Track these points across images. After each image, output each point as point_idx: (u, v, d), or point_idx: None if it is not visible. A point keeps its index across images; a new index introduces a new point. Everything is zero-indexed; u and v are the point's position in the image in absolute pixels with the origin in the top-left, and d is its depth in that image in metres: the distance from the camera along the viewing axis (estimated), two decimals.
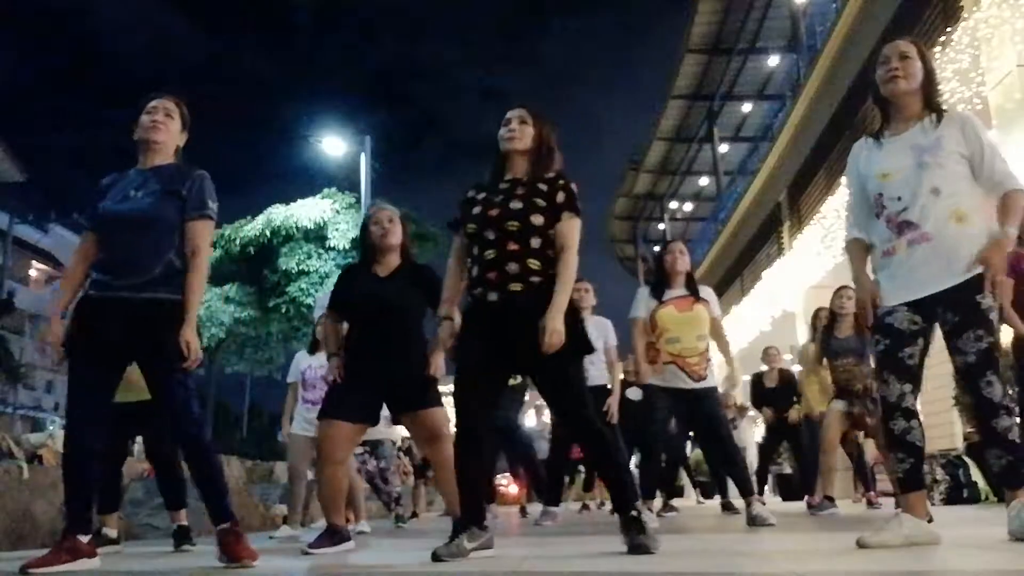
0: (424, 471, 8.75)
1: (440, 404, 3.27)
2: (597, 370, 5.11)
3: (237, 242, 15.46)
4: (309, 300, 14.51)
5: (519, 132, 2.72)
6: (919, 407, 2.58)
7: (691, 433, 7.22)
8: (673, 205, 25.13)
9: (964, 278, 2.43)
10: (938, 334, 2.55)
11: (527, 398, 6.62)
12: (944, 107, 2.64)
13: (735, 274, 18.40)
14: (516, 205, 2.61)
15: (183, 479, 4.05)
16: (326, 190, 16.08)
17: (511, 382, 2.85)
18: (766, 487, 9.35)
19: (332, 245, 15.07)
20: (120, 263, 2.66)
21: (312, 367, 5.11)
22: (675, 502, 7.56)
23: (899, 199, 2.54)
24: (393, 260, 3.38)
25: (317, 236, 15.26)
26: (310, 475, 5.64)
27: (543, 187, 2.66)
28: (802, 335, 6.44)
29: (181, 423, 2.62)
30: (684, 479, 10.89)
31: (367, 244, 3.40)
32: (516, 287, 2.57)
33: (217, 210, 2.78)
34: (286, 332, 15.98)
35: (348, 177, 15.44)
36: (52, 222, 29.89)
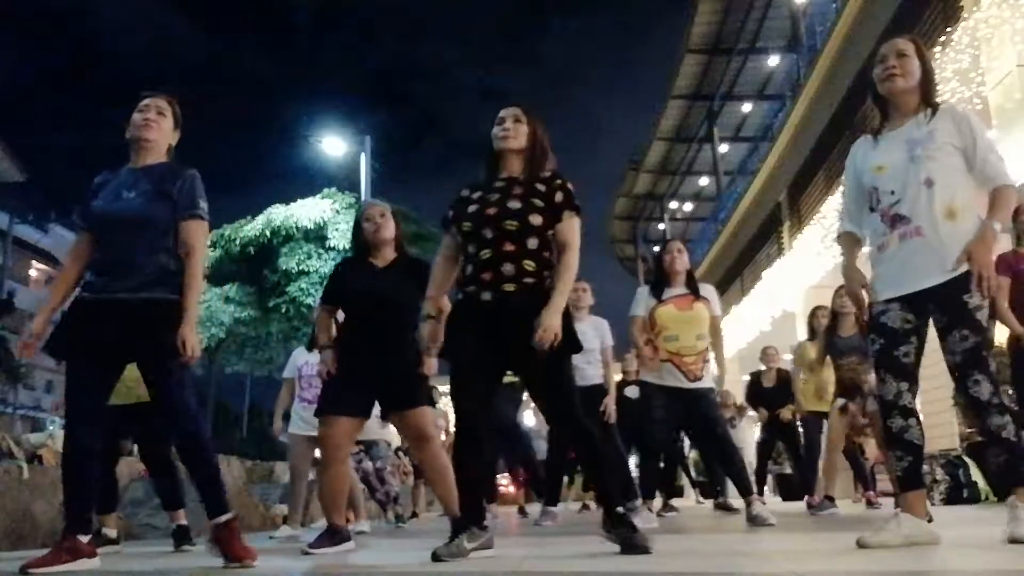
0: (425, 474, 8.75)
1: (430, 403, 3.27)
2: (594, 369, 5.12)
3: (237, 242, 15.45)
4: (309, 300, 14.50)
5: (514, 131, 2.71)
6: (919, 406, 2.58)
7: (684, 433, 7.21)
8: (673, 205, 25.14)
9: (952, 275, 2.43)
10: (933, 332, 2.56)
11: (525, 397, 6.62)
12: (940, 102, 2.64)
13: (735, 274, 18.40)
14: (514, 205, 2.60)
15: (179, 479, 4.05)
16: (326, 190, 16.06)
17: (509, 380, 2.84)
18: (766, 487, 9.36)
19: (332, 245, 15.04)
20: (114, 264, 2.66)
21: (309, 364, 5.11)
22: (675, 502, 7.57)
23: (892, 192, 2.56)
24: (388, 254, 3.39)
25: (317, 236, 15.25)
26: (311, 475, 5.64)
27: (541, 187, 2.66)
28: (802, 335, 6.43)
29: (179, 421, 2.63)
30: (684, 479, 10.90)
31: (361, 241, 3.41)
32: (510, 287, 2.56)
33: (208, 209, 2.77)
34: (286, 332, 15.96)
35: (348, 177, 15.44)
36: (52, 222, 29.88)
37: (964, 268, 2.42)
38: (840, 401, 5.22)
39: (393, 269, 3.35)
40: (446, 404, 9.61)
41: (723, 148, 20.75)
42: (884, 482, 7.44)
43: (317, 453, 5.20)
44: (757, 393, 7.12)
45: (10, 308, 21.84)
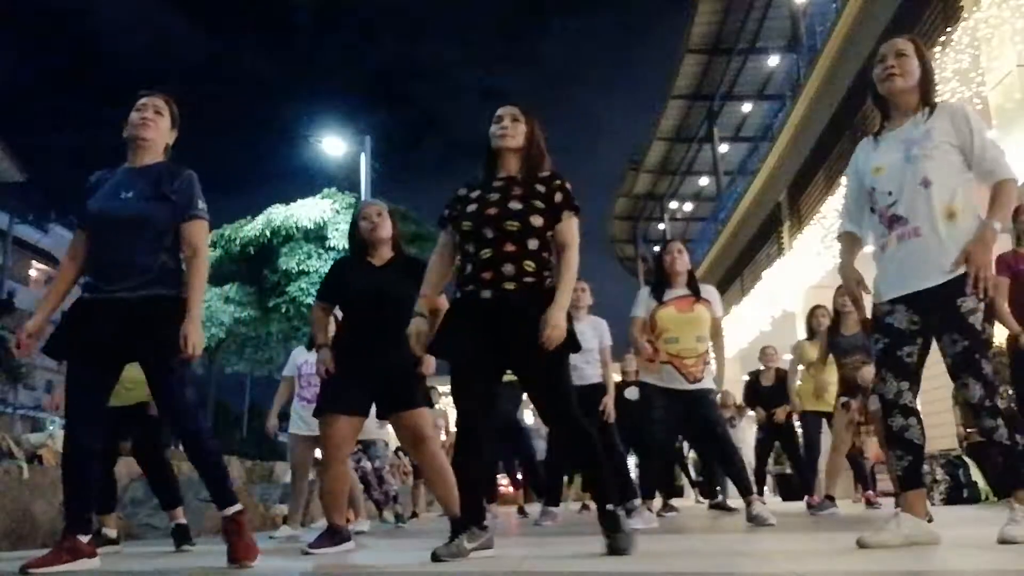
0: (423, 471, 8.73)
1: (427, 404, 3.26)
2: (593, 369, 5.12)
3: (237, 242, 15.45)
4: (309, 300, 14.49)
5: (512, 130, 2.71)
6: (919, 406, 2.59)
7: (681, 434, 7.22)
8: (673, 205, 25.13)
9: (951, 276, 2.42)
10: None
11: (525, 396, 6.62)
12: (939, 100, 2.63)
13: (735, 274, 18.40)
14: (515, 205, 2.60)
15: (175, 478, 4.05)
16: (326, 190, 16.06)
17: (509, 379, 2.84)
18: (766, 488, 9.36)
19: (332, 245, 15.04)
20: (113, 264, 2.66)
21: (309, 363, 5.11)
22: (675, 502, 7.57)
23: (889, 193, 2.56)
24: (386, 252, 3.39)
25: (317, 236, 15.24)
26: (311, 475, 5.64)
27: (540, 187, 2.66)
28: (802, 335, 6.43)
29: (179, 419, 2.64)
30: (684, 479, 10.90)
31: (358, 240, 3.41)
32: (510, 286, 2.56)
33: (207, 208, 2.78)
34: (286, 332, 15.96)
35: (348, 177, 15.44)
36: (52, 222, 29.89)
37: (962, 270, 2.41)
38: (842, 399, 5.22)
39: (390, 268, 3.35)
40: (445, 404, 9.63)
41: (723, 148, 20.75)
42: (884, 482, 7.45)
43: (318, 453, 5.21)
44: (755, 392, 7.12)
45: (10, 308, 21.83)
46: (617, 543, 2.47)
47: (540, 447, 7.41)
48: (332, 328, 3.46)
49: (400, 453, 10.87)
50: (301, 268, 15.02)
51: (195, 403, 2.68)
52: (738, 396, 9.62)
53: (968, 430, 7.12)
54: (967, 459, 6.82)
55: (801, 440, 6.30)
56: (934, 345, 2.57)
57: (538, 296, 2.55)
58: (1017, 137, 6.40)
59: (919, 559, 2.14)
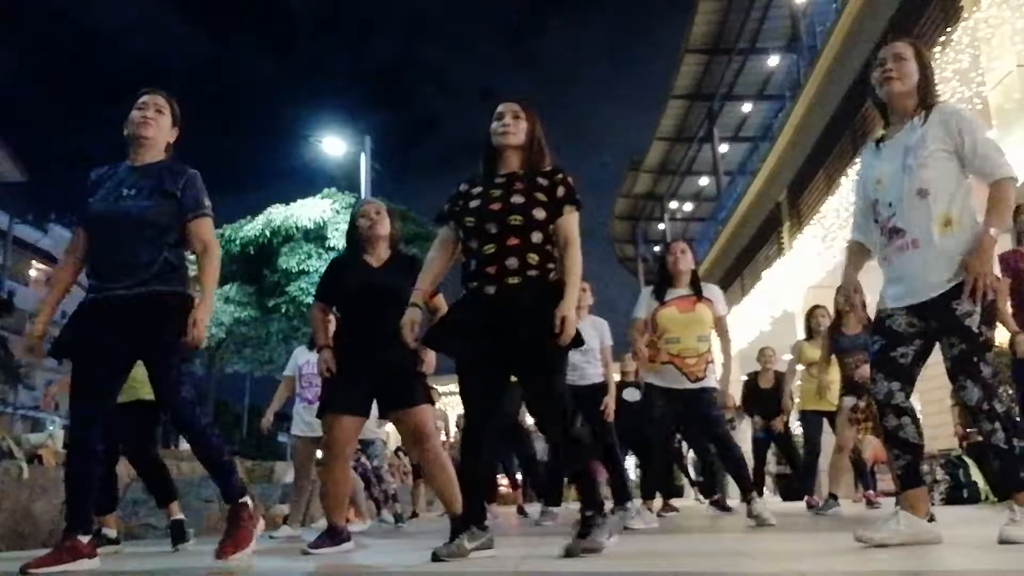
0: (424, 473, 8.73)
1: (429, 401, 3.27)
2: (594, 368, 5.12)
3: (237, 242, 15.44)
4: (309, 300, 14.48)
5: (513, 127, 2.71)
6: (917, 406, 2.59)
7: (679, 433, 7.23)
8: (673, 205, 25.12)
9: (949, 287, 2.41)
10: None
11: None
12: (939, 102, 2.60)
13: (735, 274, 18.39)
14: (518, 200, 2.60)
15: (167, 474, 4.05)
16: (326, 190, 16.06)
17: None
18: (765, 488, 9.35)
19: (332, 245, 15.04)
20: (114, 263, 2.67)
21: (310, 363, 5.11)
22: (675, 502, 7.57)
23: (889, 205, 2.56)
24: (383, 251, 3.40)
25: (317, 236, 15.24)
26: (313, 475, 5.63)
27: (543, 181, 2.66)
28: (802, 335, 6.42)
29: (181, 416, 2.64)
30: (684, 479, 10.89)
31: (356, 238, 3.41)
32: (513, 280, 2.56)
33: (211, 206, 2.81)
34: (286, 332, 15.96)
35: (348, 177, 15.45)
36: (52, 222, 29.92)
37: (959, 280, 2.40)
38: (849, 400, 5.23)
39: (388, 267, 3.35)
40: (445, 404, 9.63)
41: (723, 148, 20.74)
42: (884, 481, 7.44)
43: (319, 454, 5.21)
44: (753, 392, 7.11)
45: (10, 308, 21.83)
46: (572, 545, 2.45)
47: (540, 447, 7.41)
48: (333, 326, 3.46)
49: (400, 453, 10.86)
50: (301, 268, 15.02)
51: (195, 399, 2.68)
52: (738, 397, 9.62)
53: (968, 430, 7.12)
54: (967, 459, 6.81)
55: (801, 439, 6.30)
56: (936, 347, 2.57)
57: (542, 290, 2.55)
58: (1017, 137, 6.40)
59: (919, 559, 2.14)
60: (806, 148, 13.58)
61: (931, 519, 2.55)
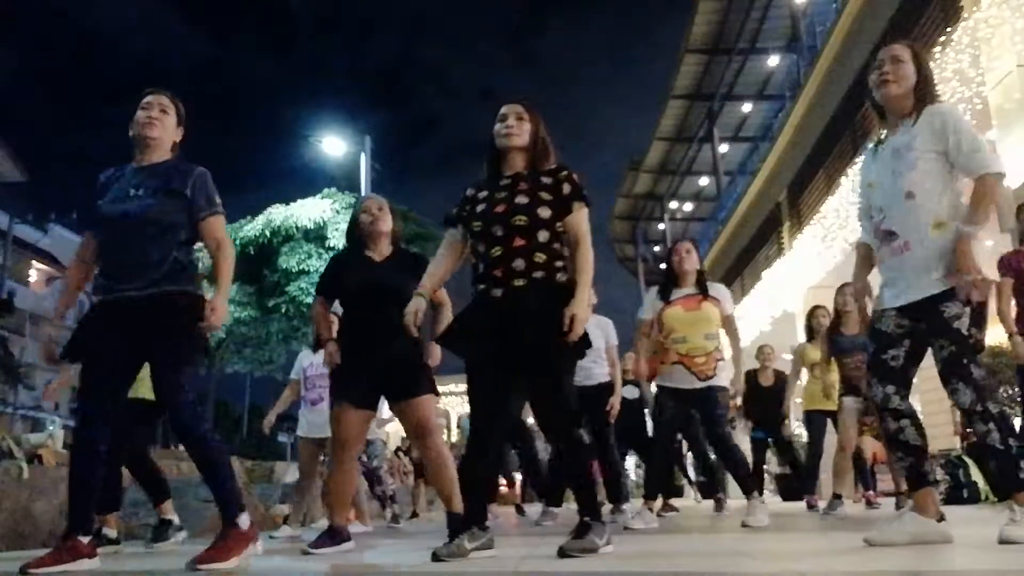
0: (425, 470, 8.74)
1: (433, 392, 3.28)
2: (599, 368, 5.12)
3: (237, 242, 15.41)
4: (309, 300, 14.50)
5: (517, 128, 2.71)
6: (917, 406, 2.59)
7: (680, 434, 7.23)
8: (673, 205, 25.13)
9: (938, 289, 2.41)
10: None
11: None
12: (936, 102, 2.58)
13: (735, 274, 18.40)
14: (522, 200, 2.61)
15: (160, 474, 4.04)
16: (326, 190, 16.06)
17: None
18: (765, 489, 9.35)
19: (332, 245, 15.03)
20: (124, 263, 2.67)
21: (314, 364, 5.12)
22: (674, 502, 7.56)
23: (881, 209, 2.58)
24: (385, 247, 3.41)
25: (317, 236, 15.24)
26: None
27: (547, 180, 2.66)
28: (802, 335, 6.42)
29: (182, 421, 2.63)
30: (683, 479, 10.90)
31: (358, 234, 3.43)
32: (520, 283, 2.56)
33: (222, 203, 2.83)
34: (286, 332, 15.96)
35: (348, 177, 15.46)
36: (52, 222, 29.94)
37: (949, 284, 2.40)
38: (850, 401, 5.23)
39: (390, 263, 3.37)
40: (446, 403, 9.62)
41: (723, 148, 20.75)
42: (884, 482, 7.44)
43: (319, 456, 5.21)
44: (753, 390, 7.11)
45: (10, 308, 21.83)
46: (567, 545, 2.45)
47: (540, 447, 7.40)
48: (336, 325, 3.47)
49: (399, 453, 10.87)
50: (301, 268, 15.02)
51: (195, 404, 2.66)
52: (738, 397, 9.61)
53: (968, 430, 7.12)
54: (967, 459, 6.82)
55: (800, 440, 6.31)
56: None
57: (548, 292, 2.55)
58: (1017, 137, 6.40)
59: (919, 559, 2.14)
60: (806, 148, 13.58)
61: (941, 519, 2.55)
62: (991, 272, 2.61)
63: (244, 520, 2.58)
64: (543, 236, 2.59)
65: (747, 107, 20.02)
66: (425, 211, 16.72)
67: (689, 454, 10.10)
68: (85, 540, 2.58)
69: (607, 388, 5.09)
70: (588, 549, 2.45)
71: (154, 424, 4.12)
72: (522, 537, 4.03)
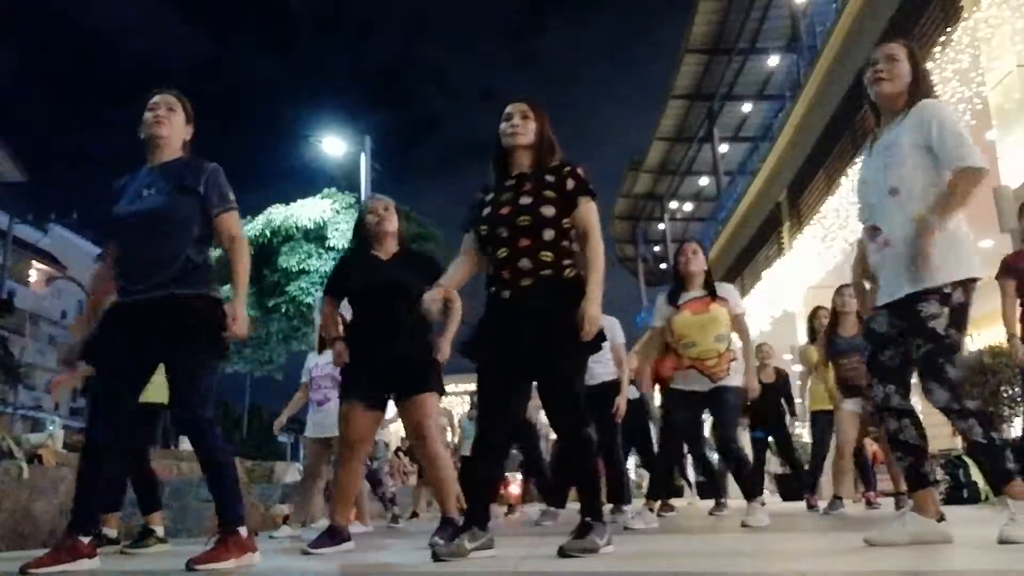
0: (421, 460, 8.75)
1: (439, 390, 3.31)
2: (603, 368, 5.11)
3: None
4: (309, 300, 14.51)
5: (522, 127, 2.71)
6: (917, 406, 2.59)
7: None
8: (673, 205, 25.15)
9: (919, 288, 2.39)
10: None
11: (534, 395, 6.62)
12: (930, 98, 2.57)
13: (735, 274, 18.40)
14: (526, 200, 2.61)
15: (156, 481, 4.03)
16: (326, 190, 16.07)
17: None
18: (765, 488, 9.35)
19: (332, 245, 15.05)
20: (139, 263, 2.68)
21: (319, 366, 5.14)
22: (674, 502, 7.57)
23: (870, 205, 2.58)
24: (391, 247, 3.45)
25: (317, 236, 15.25)
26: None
27: (550, 178, 2.66)
28: (802, 335, 6.42)
29: (191, 427, 2.64)
30: (682, 480, 10.89)
31: (364, 235, 3.46)
32: (527, 282, 2.57)
33: (235, 199, 2.81)
34: (286, 332, 15.97)
35: (348, 177, 15.46)
36: (52, 222, 29.96)
37: (929, 284, 2.36)
38: (850, 402, 5.22)
39: (397, 261, 3.41)
40: (448, 403, 9.62)
41: (723, 148, 20.76)
42: (883, 482, 7.43)
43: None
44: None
45: (10, 308, 21.84)
46: (567, 545, 2.45)
47: (543, 446, 7.41)
48: (342, 328, 3.49)
49: (399, 453, 10.86)
50: (301, 268, 15.02)
51: (203, 408, 2.63)
52: None
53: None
54: (967, 459, 6.81)
55: (800, 440, 6.32)
56: None
57: (554, 290, 2.55)
58: (1017, 137, 6.40)
59: (918, 559, 2.14)
60: (806, 148, 13.58)
61: (941, 519, 2.54)
62: (985, 270, 2.59)
63: (243, 531, 2.59)
64: (548, 235, 2.59)
65: (747, 107, 20.03)
66: (425, 211, 16.76)
67: (689, 454, 10.11)
68: (86, 540, 2.58)
69: (611, 387, 5.08)
70: (588, 549, 2.45)
71: (155, 424, 4.11)
72: (522, 537, 4.03)
